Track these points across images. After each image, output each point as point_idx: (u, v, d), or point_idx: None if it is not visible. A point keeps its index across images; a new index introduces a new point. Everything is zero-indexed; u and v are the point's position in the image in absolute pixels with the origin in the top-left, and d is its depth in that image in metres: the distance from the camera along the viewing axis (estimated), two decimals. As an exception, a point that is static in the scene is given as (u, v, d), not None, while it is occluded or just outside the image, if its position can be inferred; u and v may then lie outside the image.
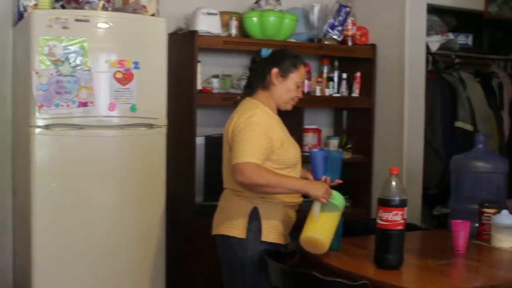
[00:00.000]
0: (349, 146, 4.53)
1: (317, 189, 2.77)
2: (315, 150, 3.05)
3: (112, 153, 3.56)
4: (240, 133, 2.80)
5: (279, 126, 2.95)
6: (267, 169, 2.79)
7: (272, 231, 2.89)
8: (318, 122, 4.63)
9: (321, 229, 2.73)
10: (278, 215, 2.91)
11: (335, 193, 2.80)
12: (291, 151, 2.95)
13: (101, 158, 3.53)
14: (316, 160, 2.91)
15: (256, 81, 2.99)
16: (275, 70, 2.94)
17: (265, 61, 2.98)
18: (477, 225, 3.09)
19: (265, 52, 3.01)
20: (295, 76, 2.96)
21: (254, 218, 2.87)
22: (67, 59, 3.38)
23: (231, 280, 2.96)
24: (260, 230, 2.87)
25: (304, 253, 2.84)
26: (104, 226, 3.54)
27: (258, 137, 2.79)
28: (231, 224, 2.90)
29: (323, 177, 2.89)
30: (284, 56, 2.98)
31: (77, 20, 3.39)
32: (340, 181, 2.92)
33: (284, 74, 2.94)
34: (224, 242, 2.92)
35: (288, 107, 3.04)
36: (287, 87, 2.96)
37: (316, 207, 2.77)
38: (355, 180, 4.48)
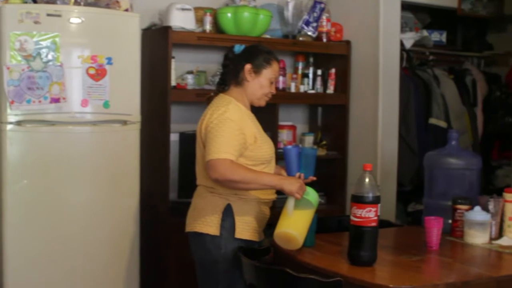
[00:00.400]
0: (323, 142, 4.53)
1: (291, 184, 2.76)
2: (289, 146, 3.03)
3: (85, 150, 3.53)
4: (213, 129, 2.79)
5: (252, 122, 2.94)
6: (241, 165, 2.78)
7: (246, 228, 2.88)
8: (293, 118, 4.63)
9: (295, 224, 2.73)
10: (252, 212, 2.91)
11: (309, 190, 2.80)
12: (265, 148, 2.94)
13: (74, 155, 3.49)
14: (290, 156, 2.90)
15: (229, 78, 2.98)
16: (248, 66, 2.93)
17: (238, 57, 2.97)
18: (450, 221, 3.10)
19: (238, 48, 3.00)
20: (268, 72, 2.95)
21: (228, 215, 2.86)
22: (38, 54, 3.34)
23: (205, 278, 2.95)
24: (234, 227, 2.86)
25: (278, 250, 2.83)
26: (77, 223, 3.51)
27: (232, 133, 2.78)
28: (204, 221, 2.88)
29: (297, 174, 2.88)
30: (257, 52, 2.97)
31: (49, 14, 3.35)
32: (314, 178, 2.91)
33: (257, 70, 2.93)
34: (198, 240, 2.90)
35: (262, 103, 3.03)
36: (260, 83, 2.95)
37: (290, 203, 2.76)
38: (329, 176, 4.49)
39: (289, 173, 2.91)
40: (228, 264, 2.85)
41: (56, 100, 3.40)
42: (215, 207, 2.87)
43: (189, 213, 2.99)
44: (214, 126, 2.79)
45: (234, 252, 2.83)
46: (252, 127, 2.91)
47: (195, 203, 2.97)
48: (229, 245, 2.85)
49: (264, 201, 2.95)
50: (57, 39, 3.37)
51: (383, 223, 3.18)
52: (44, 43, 3.35)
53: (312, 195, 2.80)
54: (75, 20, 3.43)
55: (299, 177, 2.88)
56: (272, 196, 2.99)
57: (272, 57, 2.98)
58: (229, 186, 2.81)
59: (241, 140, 2.81)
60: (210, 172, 2.74)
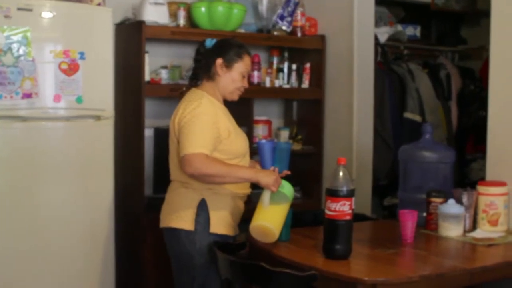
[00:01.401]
0: (299, 137, 4.53)
1: (267, 176, 2.76)
2: (263, 141, 3.04)
3: (58, 146, 3.49)
4: (187, 124, 2.77)
5: (226, 116, 2.93)
6: (216, 159, 2.78)
7: (220, 223, 2.87)
8: (268, 113, 4.61)
9: (271, 217, 2.73)
10: (227, 206, 2.90)
11: (285, 183, 2.80)
12: (239, 142, 2.93)
13: (47, 151, 3.45)
14: (264, 151, 2.90)
15: (201, 72, 2.98)
16: (219, 61, 2.92)
17: (210, 51, 2.96)
18: (424, 214, 3.12)
19: (210, 42, 2.99)
20: (240, 66, 2.95)
21: (202, 209, 2.85)
22: (9, 49, 3.29)
23: (180, 273, 2.93)
24: (209, 221, 2.85)
25: (254, 244, 2.83)
26: (51, 220, 3.47)
27: (205, 127, 2.77)
28: (179, 216, 2.86)
29: (272, 168, 2.88)
30: (228, 46, 2.96)
31: (19, 9, 3.31)
32: (288, 172, 2.91)
33: (228, 65, 2.93)
34: (173, 235, 2.89)
35: (235, 97, 3.02)
36: (232, 78, 2.94)
37: (265, 196, 2.76)
38: (305, 171, 4.49)
39: (264, 167, 2.91)
40: (203, 259, 2.84)
41: (28, 96, 3.36)
42: (190, 202, 2.86)
43: (163, 209, 2.98)
44: (187, 121, 2.77)
45: (209, 247, 2.82)
46: (225, 121, 2.90)
47: (169, 198, 2.96)
48: (204, 240, 2.84)
49: (238, 196, 2.95)
50: (28, 33, 3.33)
51: (358, 217, 3.20)
52: (15, 38, 3.30)
53: (288, 189, 2.80)
54: (46, 14, 3.39)
55: (274, 170, 2.87)
56: (247, 190, 2.99)
57: (244, 51, 2.97)
58: (204, 181, 2.79)
59: (215, 134, 2.80)
60: (185, 167, 2.73)
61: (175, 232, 2.87)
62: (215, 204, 2.87)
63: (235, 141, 2.90)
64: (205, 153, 2.73)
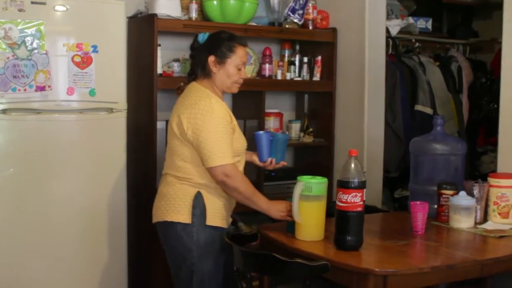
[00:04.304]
0: (310, 129, 4.54)
1: (279, 212, 2.84)
2: (260, 132, 3.02)
3: (71, 138, 3.52)
4: (208, 131, 2.77)
5: (231, 114, 2.93)
6: (246, 179, 2.84)
7: (216, 215, 2.88)
8: (279, 106, 4.63)
9: (309, 229, 2.73)
10: (221, 199, 2.91)
11: (312, 184, 2.71)
12: (241, 140, 2.96)
13: (60, 143, 3.49)
14: (262, 142, 2.91)
15: (197, 68, 2.95)
16: (211, 59, 2.89)
17: (202, 48, 2.93)
18: (436, 206, 3.13)
19: (202, 37, 2.95)
20: (233, 60, 2.90)
21: (198, 203, 2.85)
22: (23, 42, 3.32)
23: (178, 267, 2.92)
24: (205, 214, 2.85)
25: (265, 236, 2.85)
26: (64, 212, 3.50)
27: (227, 133, 2.80)
28: (175, 210, 2.86)
29: (269, 159, 2.90)
30: (219, 41, 2.90)
31: (33, 2, 3.34)
32: (285, 163, 2.94)
33: (221, 61, 2.89)
34: (169, 229, 2.88)
35: (234, 90, 2.99)
36: (227, 73, 2.91)
37: (295, 209, 2.71)
38: (316, 163, 4.51)
39: (261, 159, 2.94)
40: (201, 251, 2.85)
41: (41, 88, 3.39)
42: (186, 195, 2.86)
43: (157, 203, 2.96)
44: (208, 127, 2.77)
45: (205, 239, 2.84)
46: (234, 119, 2.92)
47: (164, 192, 2.93)
48: (201, 232, 2.84)
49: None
50: (42, 27, 3.36)
51: (369, 209, 3.21)
52: (29, 31, 3.33)
53: (316, 188, 2.72)
54: (60, 8, 3.42)
55: (271, 162, 2.91)
56: None
57: (235, 44, 2.91)
58: (228, 191, 2.85)
59: (232, 136, 2.84)
60: (220, 177, 2.79)
61: (172, 225, 2.86)
62: (210, 197, 2.87)
63: (238, 140, 2.92)
64: (233, 162, 2.80)
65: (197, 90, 2.90)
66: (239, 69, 2.93)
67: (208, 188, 2.87)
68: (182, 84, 3.02)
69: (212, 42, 2.92)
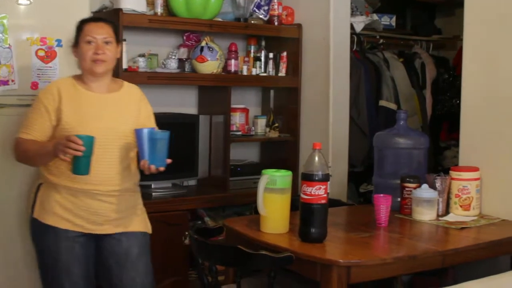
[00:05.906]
0: (276, 125, 4.56)
1: (58, 150, 2.57)
2: (140, 128, 2.70)
3: (35, 133, 3.48)
4: None
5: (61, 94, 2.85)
6: (29, 141, 2.77)
7: (47, 213, 2.76)
8: (245, 101, 4.65)
9: (274, 222, 2.74)
10: (57, 198, 2.76)
11: (277, 177, 2.72)
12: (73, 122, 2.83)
13: (24, 138, 3.44)
14: (141, 139, 2.65)
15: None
16: (73, 49, 2.87)
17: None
18: (399, 199, 3.18)
19: None
20: (82, 38, 2.80)
21: (36, 195, 2.82)
22: (-14, 36, 3.29)
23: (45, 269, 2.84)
24: (34, 207, 2.81)
25: (231, 229, 2.86)
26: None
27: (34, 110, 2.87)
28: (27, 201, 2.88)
29: (142, 162, 2.65)
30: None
31: (-4, -4, 3.30)
32: (163, 169, 2.68)
33: (75, 44, 2.84)
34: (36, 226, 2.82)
35: (97, 69, 2.80)
36: (81, 52, 2.80)
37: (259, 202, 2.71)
38: (282, 158, 4.53)
39: (142, 157, 2.67)
40: (48, 251, 2.77)
41: (4, 83, 3.35)
42: (32, 186, 2.89)
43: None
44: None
45: (45, 237, 2.76)
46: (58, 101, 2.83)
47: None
48: (41, 229, 2.77)
49: (78, 190, 2.75)
50: (5, 20, 3.32)
51: (334, 203, 3.25)
52: (-9, 25, 3.30)
53: (280, 181, 2.73)
54: (23, 1, 3.38)
55: (143, 165, 2.65)
56: (78, 185, 2.74)
57: (82, 22, 2.85)
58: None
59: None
60: None
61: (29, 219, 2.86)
62: (46, 192, 2.79)
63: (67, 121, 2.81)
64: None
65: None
66: (90, 42, 2.78)
67: (46, 182, 2.81)
68: None
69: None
